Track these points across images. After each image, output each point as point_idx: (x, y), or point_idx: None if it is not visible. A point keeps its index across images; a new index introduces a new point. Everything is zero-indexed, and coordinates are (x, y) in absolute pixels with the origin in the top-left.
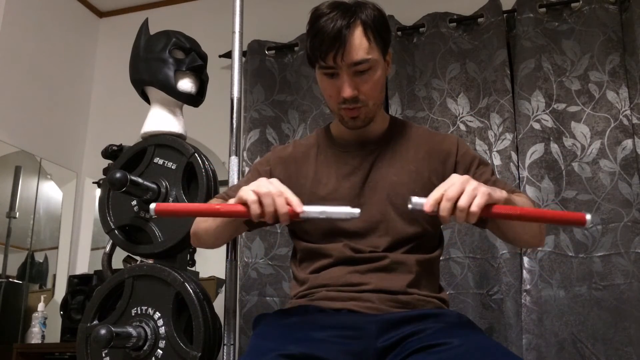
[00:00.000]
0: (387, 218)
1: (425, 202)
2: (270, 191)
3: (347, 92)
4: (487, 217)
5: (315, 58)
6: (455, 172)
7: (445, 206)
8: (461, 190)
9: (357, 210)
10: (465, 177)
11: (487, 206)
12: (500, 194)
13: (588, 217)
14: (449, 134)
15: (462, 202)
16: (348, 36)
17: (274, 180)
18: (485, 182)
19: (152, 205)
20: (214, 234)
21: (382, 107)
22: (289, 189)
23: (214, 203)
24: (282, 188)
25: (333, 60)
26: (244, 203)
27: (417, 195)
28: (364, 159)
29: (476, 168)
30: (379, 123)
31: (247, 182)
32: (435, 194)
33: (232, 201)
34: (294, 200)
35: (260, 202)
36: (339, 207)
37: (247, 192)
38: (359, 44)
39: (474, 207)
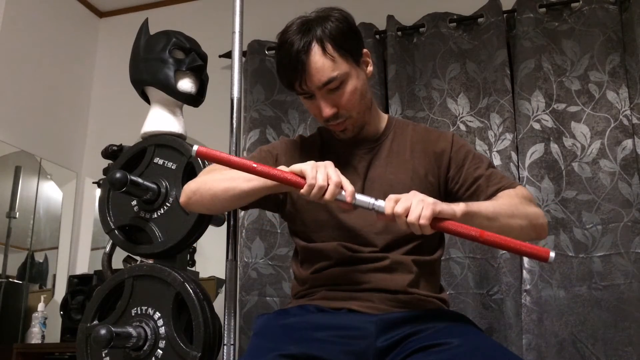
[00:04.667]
0: None
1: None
2: (329, 173)
3: (326, 112)
4: (442, 231)
5: (285, 86)
6: (449, 168)
7: (400, 222)
8: (408, 205)
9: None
10: (412, 192)
11: (439, 220)
12: (455, 207)
13: (552, 254)
14: (446, 131)
15: (411, 218)
16: (306, 61)
17: (329, 164)
18: (479, 176)
19: (195, 147)
20: (231, 197)
21: (371, 109)
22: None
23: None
24: (341, 177)
25: (300, 87)
26: (301, 174)
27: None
28: (362, 157)
29: (470, 161)
30: (375, 124)
31: (252, 159)
32: (387, 209)
33: (283, 167)
34: (349, 188)
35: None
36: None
37: (308, 166)
38: (321, 65)
39: (422, 220)
